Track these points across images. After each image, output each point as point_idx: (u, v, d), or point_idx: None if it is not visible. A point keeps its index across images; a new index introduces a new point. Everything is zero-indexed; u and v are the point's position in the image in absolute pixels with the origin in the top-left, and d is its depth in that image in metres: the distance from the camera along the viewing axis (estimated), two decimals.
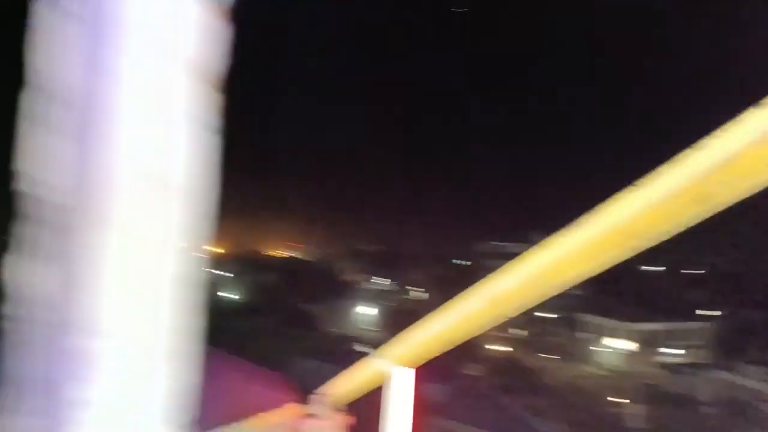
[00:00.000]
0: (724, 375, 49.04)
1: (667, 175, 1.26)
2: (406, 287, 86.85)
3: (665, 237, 1.38)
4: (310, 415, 4.48)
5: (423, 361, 3.04)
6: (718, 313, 66.77)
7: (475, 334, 2.40)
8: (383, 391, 3.38)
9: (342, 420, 4.49)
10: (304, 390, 4.83)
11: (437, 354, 2.74)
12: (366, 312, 66.28)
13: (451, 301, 2.32)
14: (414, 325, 2.71)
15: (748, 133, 1.10)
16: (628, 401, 40.60)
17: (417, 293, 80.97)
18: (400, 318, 49.17)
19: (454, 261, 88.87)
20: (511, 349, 62.00)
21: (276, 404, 4.69)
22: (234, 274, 67.45)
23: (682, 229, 1.34)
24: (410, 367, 3.22)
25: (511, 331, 71.85)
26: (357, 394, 4.06)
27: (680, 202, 1.27)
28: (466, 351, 50.90)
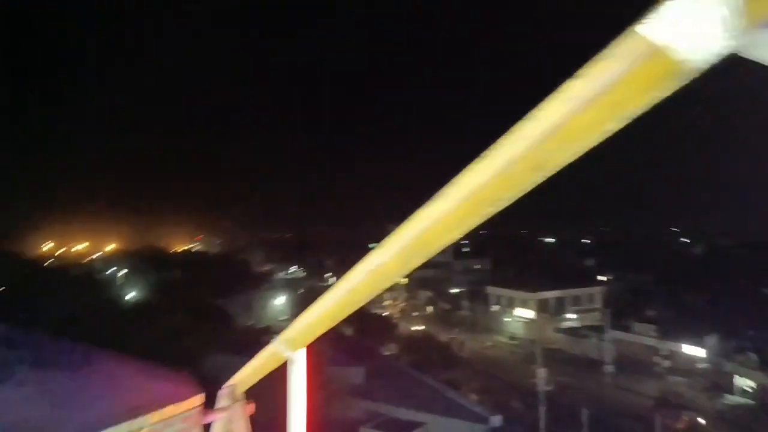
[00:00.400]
0: (620, 335, 52.73)
1: (506, 146, 1.36)
2: (323, 275, 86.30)
3: (511, 202, 1.49)
4: (214, 408, 4.45)
5: (315, 339, 3.09)
6: (609, 277, 71.61)
7: (359, 307, 2.48)
8: (288, 374, 3.43)
9: (245, 408, 4.50)
10: (212, 384, 4.78)
11: (327, 330, 2.81)
12: (280, 302, 65.30)
13: (336, 282, 2.39)
14: (307, 309, 2.75)
15: (569, 103, 1.20)
16: (535, 366, 42.76)
17: (334, 279, 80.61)
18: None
19: (370, 245, 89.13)
20: (424, 327, 63.48)
21: (178, 399, 4.60)
22: (135, 272, 64.38)
23: (524, 193, 1.45)
24: (304, 347, 3.28)
25: (423, 308, 73.53)
26: (256, 380, 4.08)
27: (520, 170, 1.37)
28: (381, 332, 51.62)
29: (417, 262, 1.93)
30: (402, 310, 72.54)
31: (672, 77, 1.03)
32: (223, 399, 4.35)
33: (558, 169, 1.34)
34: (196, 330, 29.26)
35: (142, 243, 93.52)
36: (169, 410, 4.49)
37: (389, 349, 49.73)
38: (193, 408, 4.66)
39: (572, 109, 1.19)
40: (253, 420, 4.67)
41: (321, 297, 2.55)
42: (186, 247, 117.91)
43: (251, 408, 4.63)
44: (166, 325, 29.51)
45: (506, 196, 1.47)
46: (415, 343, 51.22)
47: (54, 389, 4.31)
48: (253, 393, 4.50)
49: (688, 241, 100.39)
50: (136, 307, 43.39)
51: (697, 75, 1.02)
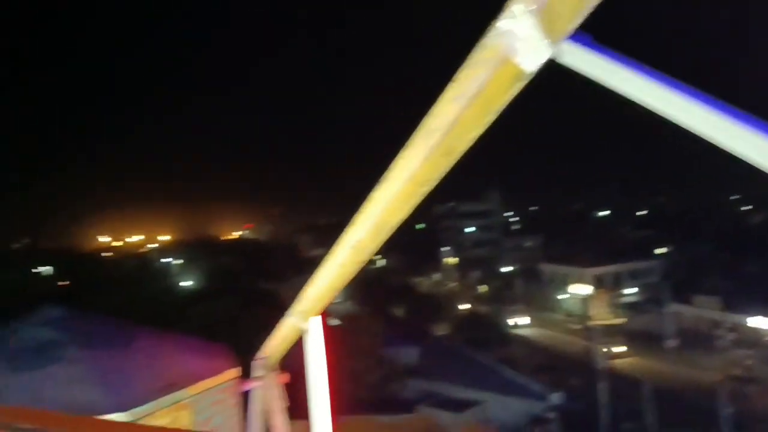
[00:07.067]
0: (681, 308, 51.08)
1: (421, 137, 1.65)
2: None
3: (437, 181, 1.79)
4: (249, 378, 4.87)
5: (323, 309, 3.43)
6: (668, 249, 69.21)
7: (351, 278, 2.81)
8: (303, 341, 3.78)
9: (278, 377, 4.89)
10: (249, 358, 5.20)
11: (331, 300, 3.16)
12: None
13: (326, 256, 2.73)
14: (307, 283, 3.10)
15: (456, 103, 1.48)
16: (593, 343, 42.03)
17: (381, 261, 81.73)
18: (366, 287, 49.63)
19: (416, 226, 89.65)
20: (476, 306, 63.36)
21: (216, 372, 5.05)
22: (188, 261, 66.76)
23: (446, 173, 1.74)
24: (316, 315, 3.61)
25: (474, 288, 73.33)
26: (284, 351, 4.45)
27: (436, 156, 1.66)
28: (433, 312, 51.92)
29: (383, 236, 2.25)
30: (453, 290, 72.65)
31: (516, 79, 1.30)
32: (256, 370, 4.76)
33: (463, 152, 1.62)
34: (248, 314, 30.33)
35: (193, 233, 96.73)
36: (207, 382, 4.92)
37: (442, 329, 49.96)
38: (230, 379, 5.09)
39: (458, 107, 1.47)
40: (288, 388, 5.05)
41: (316, 273, 2.90)
42: (236, 235, 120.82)
43: (285, 377, 5.02)
44: (218, 310, 30.67)
45: (432, 178, 1.77)
46: (468, 322, 51.30)
47: (101, 367, 4.80)
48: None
49: (750, 208, 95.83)
50: (190, 294, 45.12)
51: (530, 78, 1.29)
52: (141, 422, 4.30)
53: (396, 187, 1.92)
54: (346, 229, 2.44)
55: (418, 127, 1.65)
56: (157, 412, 4.57)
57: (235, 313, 30.05)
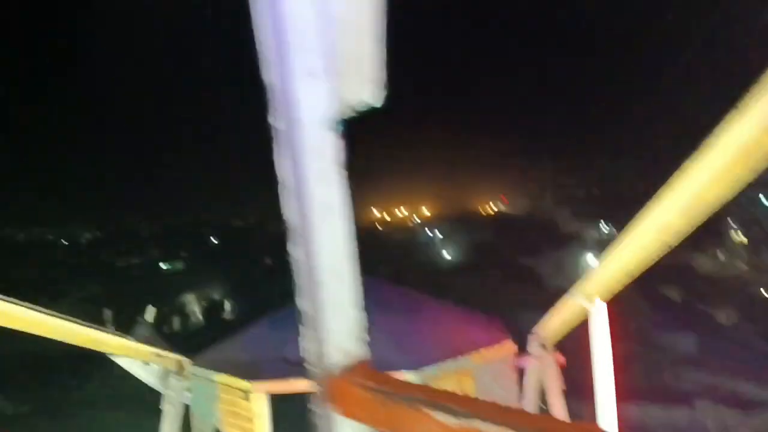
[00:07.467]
0: None
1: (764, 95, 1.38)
2: None
3: None
4: (526, 353, 4.89)
5: (614, 293, 3.21)
6: None
7: (652, 262, 2.56)
8: (589, 326, 3.58)
9: (555, 358, 4.81)
10: (518, 332, 5.24)
11: (624, 285, 2.93)
12: (592, 261, 63.12)
13: (622, 233, 2.53)
14: (601, 259, 2.93)
15: None
16: None
17: None
18: None
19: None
20: None
21: (494, 343, 5.17)
22: (448, 234, 70.00)
23: None
24: (604, 300, 3.39)
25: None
26: (562, 332, 4.31)
27: None
28: (717, 296, 46.19)
29: (699, 219, 1.99)
30: (744, 273, 63.19)
31: None
32: (532, 346, 4.75)
33: None
34: (507, 288, 30.62)
35: (453, 207, 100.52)
36: (488, 353, 5.05)
37: (728, 317, 44.28)
38: (508, 353, 5.17)
39: None
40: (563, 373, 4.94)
41: (609, 252, 2.72)
42: (495, 208, 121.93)
43: (562, 360, 4.91)
44: (479, 283, 31.47)
45: None
46: (757, 306, 44.52)
47: (395, 329, 5.28)
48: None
49: None
50: (452, 266, 47.22)
51: None
52: (430, 383, 4.60)
53: (721, 160, 1.68)
54: (647, 206, 2.23)
55: (754, 87, 1.41)
56: (443, 375, 4.86)
57: (495, 287, 30.64)
